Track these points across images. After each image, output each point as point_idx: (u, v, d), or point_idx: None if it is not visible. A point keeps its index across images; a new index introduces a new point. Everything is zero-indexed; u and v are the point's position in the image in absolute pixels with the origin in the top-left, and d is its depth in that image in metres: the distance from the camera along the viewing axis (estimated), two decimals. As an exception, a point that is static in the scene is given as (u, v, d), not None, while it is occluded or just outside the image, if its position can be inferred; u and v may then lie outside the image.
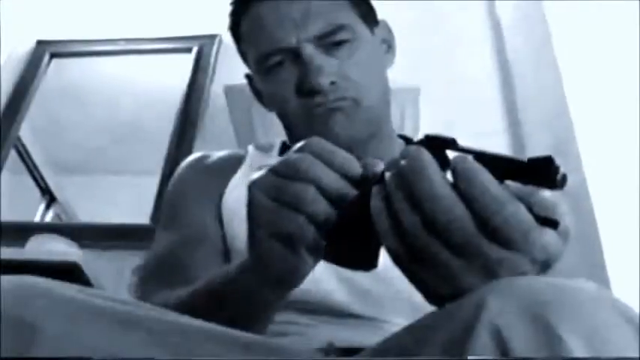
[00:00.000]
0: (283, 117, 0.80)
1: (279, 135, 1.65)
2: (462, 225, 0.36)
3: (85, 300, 0.39)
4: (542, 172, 0.35)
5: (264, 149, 0.88)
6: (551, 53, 1.39)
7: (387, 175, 0.40)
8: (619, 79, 1.30)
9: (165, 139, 1.78)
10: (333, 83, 0.72)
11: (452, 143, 0.40)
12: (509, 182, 0.37)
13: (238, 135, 1.63)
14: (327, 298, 0.67)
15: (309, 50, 0.72)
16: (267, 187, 0.45)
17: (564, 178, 0.35)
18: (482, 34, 1.81)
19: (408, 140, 0.43)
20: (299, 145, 0.45)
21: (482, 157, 0.38)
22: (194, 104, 1.82)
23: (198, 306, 0.56)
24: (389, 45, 0.82)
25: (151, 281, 0.74)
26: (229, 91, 1.56)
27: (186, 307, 0.50)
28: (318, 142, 0.45)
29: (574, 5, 1.40)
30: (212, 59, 1.90)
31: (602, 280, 1.10)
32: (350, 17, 0.75)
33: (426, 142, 0.40)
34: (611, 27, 1.36)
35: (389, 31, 0.83)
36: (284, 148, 0.87)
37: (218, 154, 0.90)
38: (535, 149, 1.54)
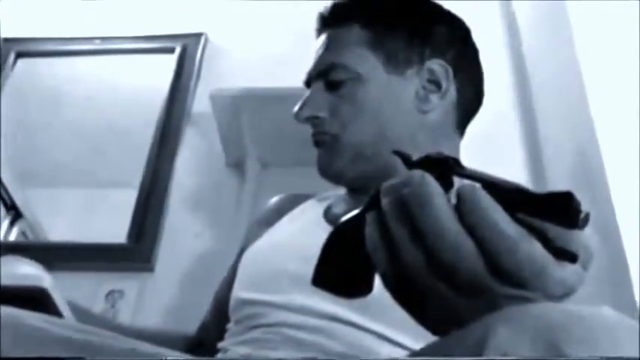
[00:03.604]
0: None
1: (270, 145, 1.66)
2: (469, 263, 0.36)
3: (51, 331, 0.41)
4: (562, 209, 0.35)
5: (320, 200, 0.99)
6: (574, 56, 1.39)
7: (385, 201, 0.39)
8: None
9: (145, 148, 1.77)
10: (316, 117, 0.87)
11: (455, 165, 0.40)
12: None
13: (225, 143, 1.62)
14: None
15: (314, 85, 0.89)
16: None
17: (587, 217, 0.35)
18: (496, 34, 1.82)
19: (404, 157, 0.43)
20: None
21: (491, 185, 0.37)
22: (177, 109, 1.82)
23: None
24: (438, 86, 0.87)
25: None
26: (215, 97, 1.56)
27: None
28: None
29: (599, 5, 1.40)
30: (197, 60, 1.90)
31: (629, 306, 1.09)
32: (353, 58, 0.87)
33: (427, 163, 0.40)
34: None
35: (446, 72, 0.87)
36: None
37: (282, 197, 1.07)
38: (553, 160, 1.54)
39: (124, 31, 2.00)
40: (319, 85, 0.89)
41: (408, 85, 0.87)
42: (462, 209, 0.37)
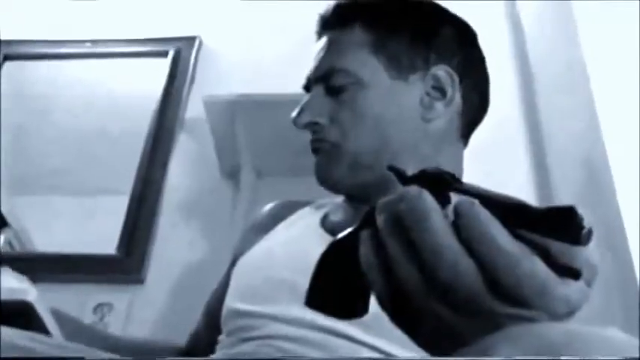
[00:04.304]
0: None
1: (265, 152, 1.64)
2: (468, 282, 0.35)
3: (34, 350, 0.43)
4: (564, 225, 0.35)
5: (317, 207, 0.97)
6: (580, 58, 1.38)
7: (380, 219, 0.39)
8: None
9: (137, 154, 1.75)
10: (316, 124, 0.85)
11: (452, 181, 0.39)
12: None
13: (219, 151, 1.61)
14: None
15: (314, 89, 0.87)
16: None
17: (590, 233, 0.34)
18: (501, 35, 1.81)
19: (398, 173, 0.42)
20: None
21: (490, 201, 0.36)
22: (170, 115, 1.80)
23: None
24: (442, 92, 0.86)
25: None
26: (209, 102, 1.54)
27: None
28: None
29: (605, 5, 1.39)
30: (190, 64, 1.89)
31: (638, 319, 1.08)
32: (355, 62, 0.85)
33: (423, 179, 0.39)
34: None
35: (451, 79, 0.86)
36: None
37: (278, 203, 1.05)
38: (559, 167, 1.53)
39: (116, 33, 1.98)
40: (319, 89, 0.87)
41: (412, 91, 0.85)
42: (460, 225, 0.36)
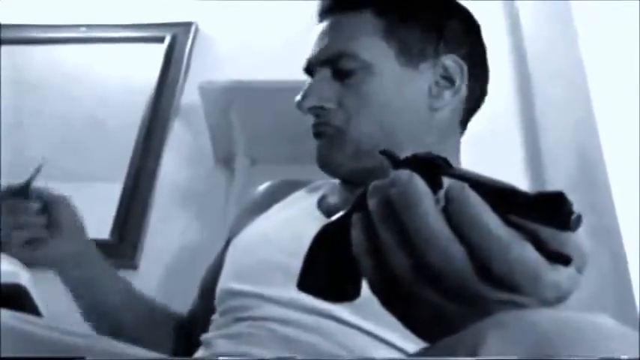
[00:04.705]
0: None
1: (260, 139, 1.64)
2: (458, 268, 0.35)
3: (24, 331, 0.43)
4: (553, 210, 0.35)
5: (313, 189, 0.97)
6: (577, 56, 1.38)
7: (371, 202, 0.38)
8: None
9: (131, 141, 1.75)
10: (322, 108, 0.83)
11: (444, 166, 0.39)
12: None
13: (214, 138, 1.61)
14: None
15: (319, 72, 0.85)
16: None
17: (579, 218, 0.34)
18: (498, 31, 1.81)
19: (391, 157, 0.42)
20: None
21: (480, 186, 0.36)
22: (165, 102, 1.80)
23: None
24: (451, 81, 0.86)
25: None
26: (204, 89, 1.54)
27: None
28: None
29: (603, 4, 1.39)
30: (186, 50, 1.88)
31: (630, 309, 1.09)
32: (365, 47, 0.83)
33: (415, 163, 0.39)
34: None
35: (460, 68, 0.86)
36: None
37: (274, 183, 1.04)
38: (553, 164, 1.53)
39: (111, 18, 1.97)
40: (324, 73, 0.85)
41: (421, 79, 0.85)
42: (451, 210, 0.36)
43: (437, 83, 0.85)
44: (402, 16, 0.86)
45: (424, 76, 0.85)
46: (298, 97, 0.84)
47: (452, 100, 0.86)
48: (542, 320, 0.33)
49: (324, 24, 0.88)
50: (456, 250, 0.36)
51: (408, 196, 0.36)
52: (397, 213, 0.37)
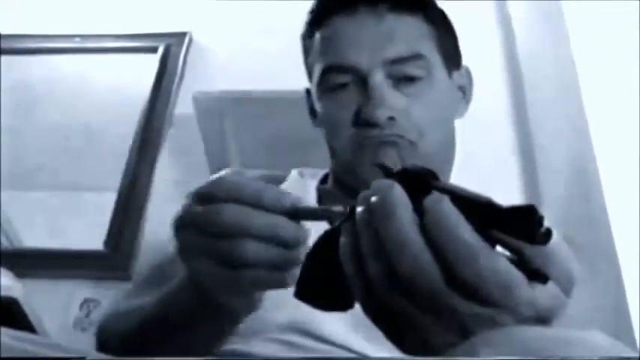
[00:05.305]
0: (332, 140, 0.83)
1: (254, 149, 1.64)
2: (429, 278, 0.35)
3: (14, 348, 0.42)
4: (522, 223, 0.35)
5: (306, 175, 0.92)
6: (570, 58, 1.39)
7: (357, 211, 0.39)
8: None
9: (125, 151, 1.75)
10: (392, 119, 0.76)
11: (432, 178, 0.40)
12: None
13: (208, 148, 1.61)
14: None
15: (378, 79, 0.76)
16: (198, 248, 0.49)
17: (548, 233, 0.35)
18: (490, 32, 1.83)
19: (385, 170, 0.42)
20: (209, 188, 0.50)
21: (461, 199, 0.37)
22: (159, 112, 1.80)
23: (149, 337, 0.65)
24: (464, 92, 0.86)
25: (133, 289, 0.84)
26: (198, 99, 1.55)
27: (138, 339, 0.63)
28: (232, 183, 0.49)
29: (595, 5, 1.41)
30: (180, 60, 1.89)
31: (626, 325, 1.09)
32: (431, 52, 0.79)
33: (406, 175, 0.40)
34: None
35: (469, 78, 0.87)
36: (325, 180, 0.92)
37: (251, 173, 0.94)
38: (548, 166, 1.54)
39: (105, 28, 1.98)
40: (382, 78, 0.77)
41: (453, 89, 0.85)
42: (425, 221, 0.36)
43: (461, 92, 0.87)
44: (444, 24, 0.85)
45: (455, 86, 0.85)
46: (370, 108, 0.76)
47: (464, 109, 0.88)
48: (534, 337, 0.33)
49: (371, 22, 0.79)
50: (427, 260, 0.36)
51: (385, 205, 0.37)
52: (375, 221, 0.37)
